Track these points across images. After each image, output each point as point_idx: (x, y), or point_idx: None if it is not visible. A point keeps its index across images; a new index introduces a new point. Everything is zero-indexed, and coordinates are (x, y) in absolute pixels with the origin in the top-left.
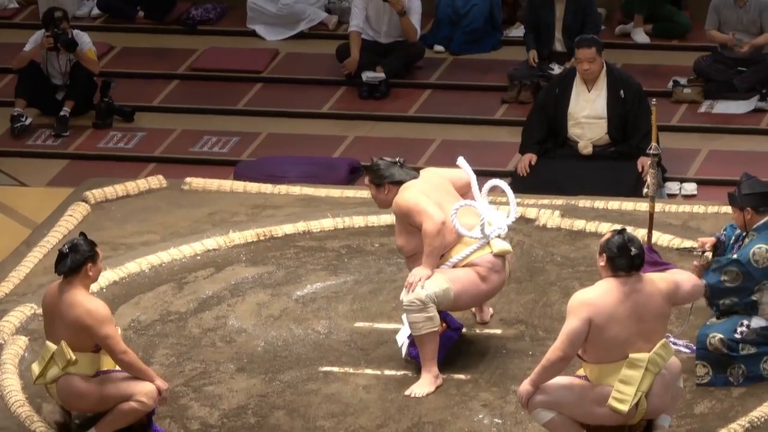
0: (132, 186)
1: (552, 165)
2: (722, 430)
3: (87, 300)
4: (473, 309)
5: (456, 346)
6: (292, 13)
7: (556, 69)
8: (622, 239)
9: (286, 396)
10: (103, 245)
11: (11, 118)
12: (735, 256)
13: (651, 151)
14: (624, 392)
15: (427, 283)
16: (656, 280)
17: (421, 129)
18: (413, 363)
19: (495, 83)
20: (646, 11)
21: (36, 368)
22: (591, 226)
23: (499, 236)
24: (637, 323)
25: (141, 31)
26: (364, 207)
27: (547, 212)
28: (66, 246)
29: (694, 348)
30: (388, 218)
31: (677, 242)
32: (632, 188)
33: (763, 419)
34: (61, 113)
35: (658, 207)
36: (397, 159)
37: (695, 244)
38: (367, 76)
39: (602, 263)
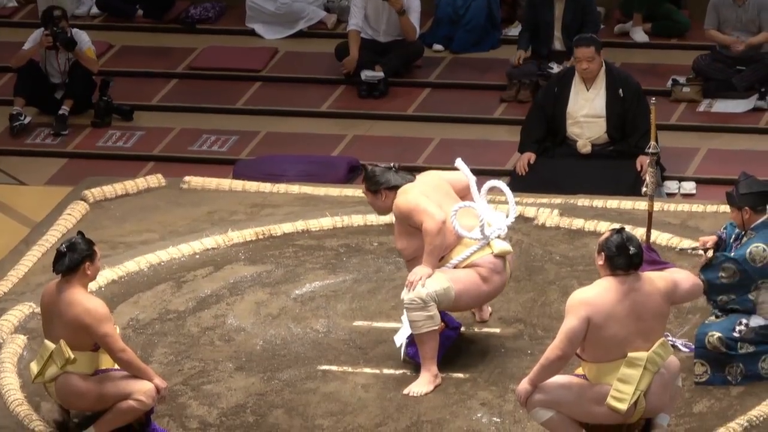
0: (131, 185)
1: (551, 164)
2: (721, 429)
3: (85, 299)
4: None
5: (455, 345)
6: (291, 11)
7: (555, 68)
8: (621, 238)
9: (284, 395)
10: (102, 244)
11: (10, 116)
12: (733, 254)
13: (650, 150)
14: (623, 391)
15: (428, 282)
16: (655, 279)
17: (420, 128)
18: (412, 362)
19: (494, 82)
20: (645, 10)
21: (34, 367)
22: (590, 225)
23: (499, 237)
24: (635, 322)
25: (140, 30)
26: (362, 206)
27: (545, 211)
28: (64, 245)
29: (693, 347)
30: (386, 217)
31: (676, 241)
32: (631, 187)
33: (761, 418)
34: (60, 112)
35: (657, 206)
36: (392, 164)
37: (696, 244)
38: (366, 74)
39: (601, 262)
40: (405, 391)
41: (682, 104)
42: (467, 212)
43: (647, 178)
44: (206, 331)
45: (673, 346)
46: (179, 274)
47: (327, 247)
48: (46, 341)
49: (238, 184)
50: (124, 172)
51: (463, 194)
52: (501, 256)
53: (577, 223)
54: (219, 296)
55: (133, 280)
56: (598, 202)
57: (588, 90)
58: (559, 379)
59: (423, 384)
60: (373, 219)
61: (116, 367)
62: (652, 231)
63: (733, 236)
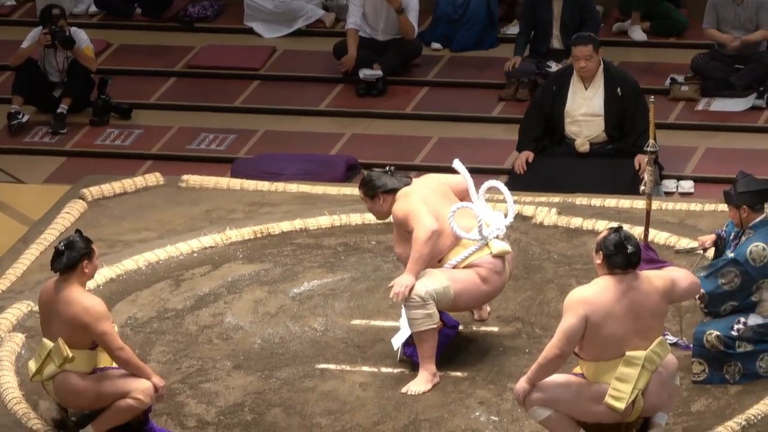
0: (129, 183)
1: (549, 162)
2: (719, 427)
3: (83, 297)
4: None
5: (453, 344)
6: (290, 10)
7: (554, 66)
8: (619, 237)
9: (282, 393)
10: (100, 242)
11: (8, 115)
12: (732, 255)
13: (648, 149)
14: (621, 390)
15: (428, 281)
16: (653, 278)
17: (419, 126)
18: (409, 360)
19: (492, 81)
20: (644, 9)
21: (33, 365)
22: (588, 224)
23: (497, 237)
24: (633, 321)
25: (138, 29)
26: (361, 204)
27: (544, 210)
28: (62, 243)
29: (690, 344)
30: None
31: (674, 240)
32: (629, 186)
33: (760, 417)
34: (59, 110)
35: (655, 204)
36: (387, 168)
37: (694, 243)
38: (364, 73)
39: (599, 261)
40: (403, 390)
41: (680, 103)
42: (465, 213)
43: (645, 177)
44: (204, 330)
45: (673, 344)
46: (177, 273)
47: (325, 245)
48: (45, 339)
49: (237, 183)
50: (122, 170)
51: (463, 196)
52: (500, 256)
53: (576, 221)
54: (217, 295)
55: (131, 279)
56: (597, 201)
57: (586, 89)
58: (557, 377)
59: (421, 382)
60: (371, 218)
61: (114, 365)
62: (650, 230)
63: (733, 234)
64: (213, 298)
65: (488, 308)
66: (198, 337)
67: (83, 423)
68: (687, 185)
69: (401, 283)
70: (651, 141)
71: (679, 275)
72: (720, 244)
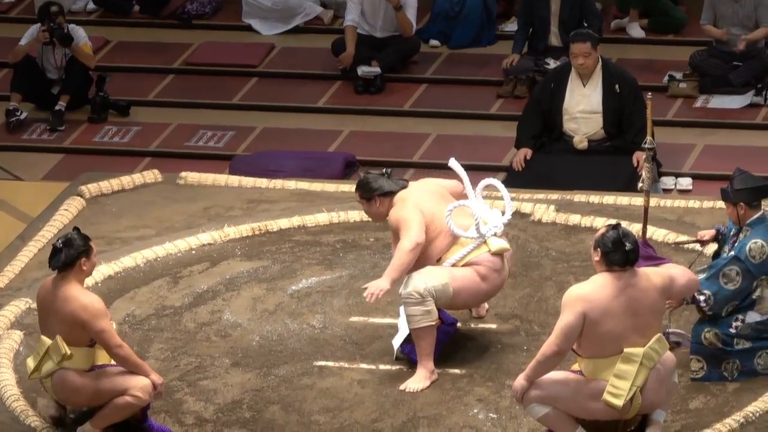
0: (127, 180)
1: (547, 160)
2: (717, 425)
3: (81, 294)
4: None
5: (451, 341)
6: (288, 7)
7: (552, 63)
8: (617, 234)
9: (281, 390)
10: (98, 239)
11: (6, 112)
12: (732, 253)
13: (646, 146)
14: (619, 387)
15: (427, 278)
16: (651, 275)
17: (417, 123)
18: (406, 358)
19: (490, 78)
20: (642, 6)
21: (31, 363)
22: (586, 221)
23: (495, 234)
24: (631, 318)
25: (136, 26)
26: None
27: (542, 207)
28: (60, 241)
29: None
30: None
31: (672, 237)
32: (627, 183)
33: (758, 414)
34: (57, 107)
35: (653, 202)
36: (384, 170)
37: (690, 238)
38: (362, 70)
39: (597, 258)
40: (401, 387)
41: (678, 100)
42: (462, 211)
43: (643, 174)
44: (202, 327)
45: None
46: (175, 270)
47: (323, 242)
48: (43, 337)
49: (235, 180)
50: (120, 167)
51: (460, 199)
52: (499, 254)
53: (574, 218)
54: (215, 292)
55: (129, 276)
56: (595, 198)
57: (584, 86)
58: (555, 375)
59: (419, 380)
60: None
61: (113, 363)
62: (648, 227)
63: (733, 231)
64: (211, 295)
65: (486, 305)
66: (196, 335)
67: (82, 420)
68: (685, 182)
69: (376, 285)
70: (649, 138)
71: (678, 272)
72: (720, 240)
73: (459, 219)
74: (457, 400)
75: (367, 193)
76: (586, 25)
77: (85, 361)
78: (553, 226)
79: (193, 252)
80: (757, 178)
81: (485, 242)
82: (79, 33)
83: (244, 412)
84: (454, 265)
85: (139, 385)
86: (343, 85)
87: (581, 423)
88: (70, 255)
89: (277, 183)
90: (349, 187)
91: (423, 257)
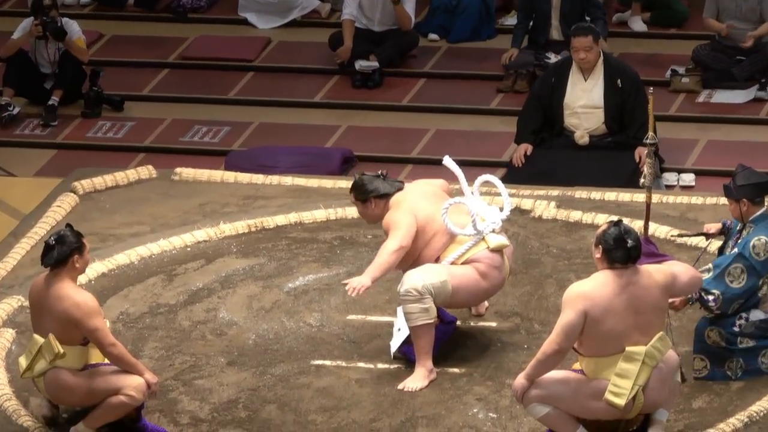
0: (121, 176)
1: (548, 155)
2: (721, 424)
3: (74, 292)
4: None
5: (450, 340)
6: (284, 0)
7: (553, 58)
8: (619, 231)
9: (277, 390)
10: (91, 236)
11: None
12: (735, 250)
13: (648, 141)
14: (621, 386)
15: (425, 275)
16: (653, 272)
17: (415, 118)
18: (404, 358)
19: (490, 72)
20: None
21: (23, 361)
22: (587, 218)
23: (494, 231)
24: (633, 316)
25: (131, 19)
26: None
27: (542, 203)
28: (52, 238)
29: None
30: None
31: (675, 233)
32: (629, 179)
33: (762, 414)
34: (50, 102)
35: (656, 198)
36: (380, 171)
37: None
38: (360, 64)
39: (598, 255)
40: (399, 386)
41: (681, 95)
42: (459, 209)
43: (645, 170)
44: (198, 325)
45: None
46: (170, 267)
47: (320, 239)
48: (35, 335)
49: (230, 176)
50: (114, 163)
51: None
52: (498, 251)
53: (575, 215)
54: (211, 290)
55: (123, 273)
56: (596, 194)
57: (586, 80)
58: (556, 374)
59: (418, 379)
60: None
61: (106, 361)
62: (651, 223)
63: (738, 227)
64: (206, 293)
65: (486, 303)
66: (191, 333)
67: (75, 420)
68: (688, 178)
69: (357, 281)
70: (651, 134)
71: (680, 269)
72: (726, 234)
73: (456, 217)
74: (456, 399)
75: (362, 195)
76: (588, 18)
77: (78, 359)
78: (554, 222)
79: (188, 249)
80: (760, 174)
81: (484, 239)
82: (73, 27)
83: (239, 412)
84: (453, 263)
85: (133, 385)
86: (340, 80)
87: (582, 423)
88: (62, 252)
89: (274, 179)
90: (346, 183)
91: (421, 257)
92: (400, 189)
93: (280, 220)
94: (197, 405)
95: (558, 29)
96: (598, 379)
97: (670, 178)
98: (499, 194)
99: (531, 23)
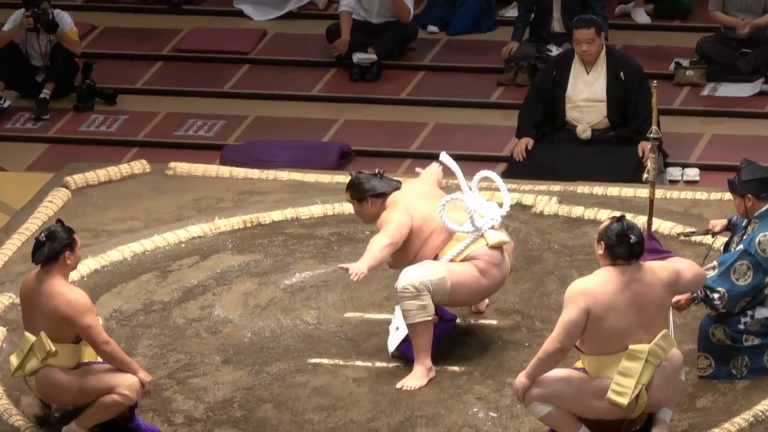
0: (114, 171)
1: (549, 149)
2: (726, 424)
3: (66, 289)
4: None
5: (450, 338)
6: None
7: (554, 50)
8: (622, 227)
9: (273, 389)
10: (84, 232)
11: None
12: (740, 247)
13: (651, 135)
14: (623, 385)
15: (423, 271)
16: (657, 269)
17: (414, 112)
18: (402, 356)
19: (490, 65)
20: None
21: (14, 360)
22: (590, 213)
23: (493, 227)
24: (636, 313)
25: (124, 11)
26: None
27: (544, 198)
28: (43, 234)
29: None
30: None
31: (679, 229)
32: (632, 174)
33: (767, 413)
34: (41, 95)
35: (659, 193)
36: (377, 170)
37: (694, 229)
38: (358, 57)
39: (600, 251)
40: (398, 385)
41: (685, 88)
42: (457, 206)
43: (649, 165)
44: (192, 323)
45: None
46: (164, 264)
47: (317, 235)
48: (27, 333)
49: (226, 171)
50: (107, 157)
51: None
52: (497, 247)
53: (577, 211)
54: (205, 286)
55: (116, 270)
56: (599, 190)
57: (588, 73)
58: (557, 372)
59: (416, 377)
60: None
61: (99, 360)
62: (654, 219)
63: (743, 223)
64: (201, 290)
65: (486, 300)
66: (186, 331)
67: (67, 419)
68: (692, 173)
69: (357, 267)
70: (654, 128)
71: (684, 266)
72: (732, 230)
73: (454, 214)
74: (456, 398)
75: (358, 194)
76: (590, 11)
77: (71, 358)
78: (556, 218)
79: (183, 245)
80: (765, 168)
81: (483, 236)
82: (65, 18)
83: (235, 411)
84: (452, 261)
85: (126, 383)
86: (338, 73)
87: (584, 422)
88: (53, 248)
89: (270, 174)
90: (344, 178)
91: (418, 256)
92: (397, 188)
93: (277, 215)
94: (192, 404)
95: (559, 21)
96: (601, 378)
97: (673, 172)
98: (498, 190)
99: (532, 15)
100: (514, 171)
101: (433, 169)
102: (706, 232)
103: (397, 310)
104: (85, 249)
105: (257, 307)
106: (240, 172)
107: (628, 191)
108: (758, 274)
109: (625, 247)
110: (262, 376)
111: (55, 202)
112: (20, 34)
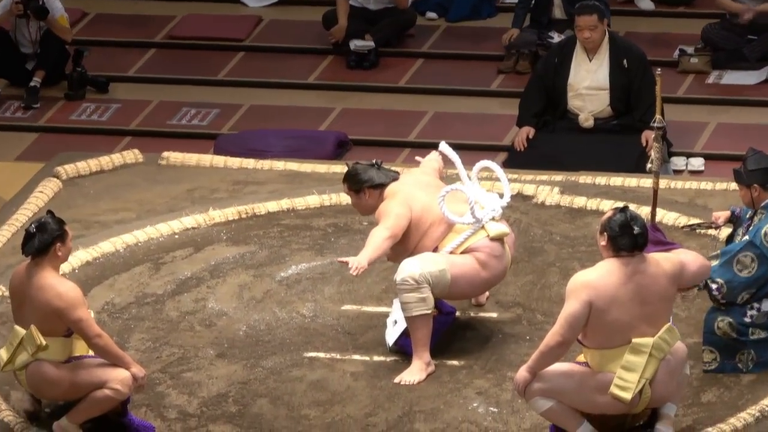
0: (106, 161)
1: (551, 139)
2: (731, 419)
3: (57, 282)
4: None
5: (449, 331)
6: None
7: (556, 37)
8: (625, 217)
9: (269, 383)
10: (75, 223)
11: None
12: (746, 238)
13: (655, 124)
14: (627, 379)
15: (423, 263)
16: (661, 261)
17: (413, 101)
18: (400, 350)
19: (491, 52)
20: None
21: (4, 354)
22: (592, 204)
23: (494, 219)
24: (640, 306)
25: None
26: None
27: (545, 189)
28: (33, 225)
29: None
30: None
31: (683, 220)
32: (636, 163)
33: None
34: (31, 84)
35: (663, 183)
36: (374, 161)
37: (699, 221)
38: (355, 44)
39: (603, 243)
40: (396, 380)
41: (689, 76)
42: (456, 197)
43: (653, 154)
44: (186, 316)
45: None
46: (157, 256)
47: (314, 226)
48: (16, 327)
49: (220, 160)
50: (99, 147)
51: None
52: (498, 239)
53: (579, 201)
54: (199, 279)
55: (108, 262)
56: (601, 180)
57: (590, 61)
58: (559, 366)
59: (415, 372)
60: None
61: (91, 353)
62: (658, 210)
63: (749, 214)
64: (195, 282)
65: (487, 293)
66: (179, 324)
67: (58, 415)
68: (697, 163)
69: (357, 260)
70: (658, 116)
71: (689, 258)
72: (735, 223)
73: (454, 205)
74: (455, 393)
75: (356, 185)
76: None
77: (62, 352)
78: (558, 209)
79: (176, 237)
80: None
81: (483, 227)
82: (55, 5)
83: (230, 406)
84: (452, 253)
85: (118, 378)
86: (334, 60)
87: (587, 417)
88: (43, 240)
89: (265, 164)
90: (341, 168)
91: (417, 249)
92: (395, 179)
93: (272, 206)
94: (185, 399)
95: (561, 7)
96: (604, 372)
97: (678, 162)
98: (499, 180)
99: (533, 1)
100: (515, 161)
101: (432, 159)
102: (710, 226)
103: (396, 302)
104: (76, 240)
105: (252, 300)
106: (234, 161)
107: (631, 181)
108: (763, 266)
109: (629, 238)
110: (258, 371)
111: (45, 192)
112: (9, 20)
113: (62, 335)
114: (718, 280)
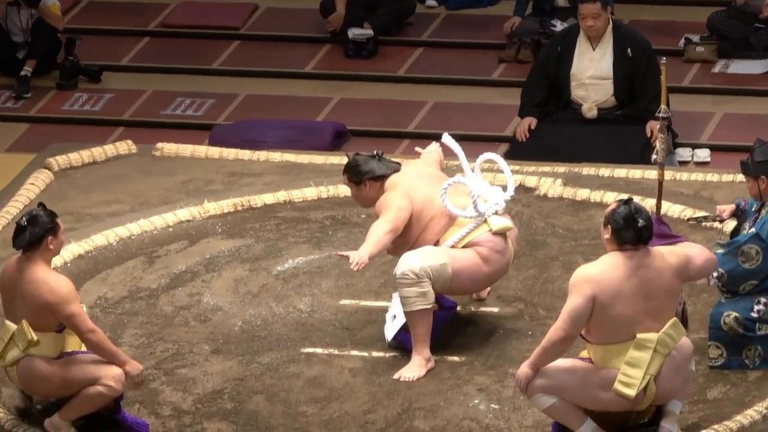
0: (99, 152)
1: (553, 129)
2: (738, 416)
3: (49, 276)
4: None
5: (449, 326)
6: None
7: (559, 26)
8: (629, 210)
9: (265, 380)
10: (67, 216)
11: None
12: (753, 230)
13: (660, 115)
14: (631, 375)
15: (424, 257)
16: (666, 254)
17: (412, 90)
18: (399, 346)
19: (492, 41)
20: None
21: None
22: (596, 196)
23: (496, 213)
24: (644, 301)
25: None
26: None
27: (548, 181)
28: (24, 218)
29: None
30: None
31: (689, 213)
32: (640, 155)
33: None
34: (22, 73)
35: (668, 175)
36: (375, 152)
37: (705, 214)
38: (353, 33)
39: (607, 236)
40: (395, 376)
41: (695, 65)
42: (459, 189)
43: (658, 145)
44: (180, 311)
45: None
46: (151, 249)
47: (311, 219)
48: (7, 322)
49: (215, 151)
50: (91, 137)
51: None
52: (501, 233)
53: (582, 193)
54: (194, 273)
55: (101, 255)
56: (605, 171)
57: (594, 49)
58: (562, 362)
59: (415, 368)
60: None
61: (83, 349)
62: (663, 202)
63: (755, 207)
64: (190, 276)
65: (488, 287)
66: (173, 319)
67: (49, 412)
68: (703, 154)
69: (358, 255)
70: (663, 106)
71: (694, 251)
72: (739, 216)
73: (456, 198)
74: (456, 389)
75: (356, 177)
76: None
77: (53, 347)
78: (560, 201)
79: (170, 229)
80: None
81: (486, 221)
82: None
83: (225, 403)
84: (453, 247)
85: (111, 374)
86: (332, 49)
87: (590, 414)
88: (35, 233)
89: (261, 155)
90: (338, 159)
91: (418, 242)
92: (396, 170)
93: (268, 198)
94: (180, 396)
95: None
96: (607, 368)
97: (683, 153)
98: (501, 172)
99: None
100: (517, 152)
101: (433, 150)
102: (715, 219)
103: (395, 297)
104: (69, 233)
105: (248, 295)
106: (230, 152)
107: (635, 173)
108: (767, 260)
109: (633, 231)
110: (254, 367)
111: (36, 184)
112: (0, 8)
113: (54, 330)
114: (719, 269)
